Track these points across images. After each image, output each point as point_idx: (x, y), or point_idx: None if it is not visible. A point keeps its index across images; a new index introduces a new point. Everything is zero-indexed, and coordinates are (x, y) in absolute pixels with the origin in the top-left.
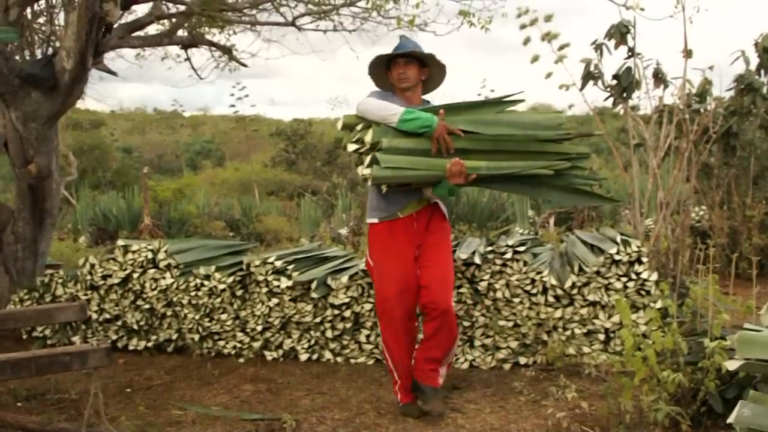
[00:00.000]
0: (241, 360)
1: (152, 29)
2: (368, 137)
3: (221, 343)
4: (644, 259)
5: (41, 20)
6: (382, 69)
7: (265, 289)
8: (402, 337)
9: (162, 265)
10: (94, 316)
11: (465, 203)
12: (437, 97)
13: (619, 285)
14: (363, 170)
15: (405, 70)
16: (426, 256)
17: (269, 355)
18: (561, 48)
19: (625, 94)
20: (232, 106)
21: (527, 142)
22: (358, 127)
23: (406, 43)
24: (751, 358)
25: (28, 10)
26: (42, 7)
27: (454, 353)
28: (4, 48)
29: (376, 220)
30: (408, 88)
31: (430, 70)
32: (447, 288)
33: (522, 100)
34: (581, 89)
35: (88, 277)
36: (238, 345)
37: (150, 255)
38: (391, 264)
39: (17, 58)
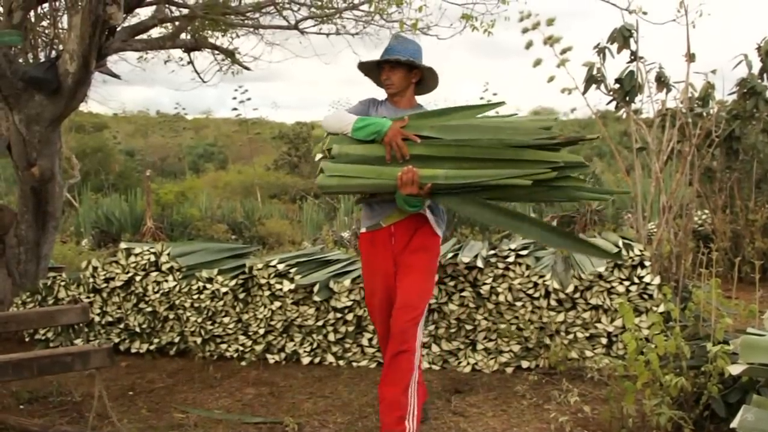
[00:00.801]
0: (244, 363)
1: (155, 32)
2: (325, 145)
3: (223, 346)
4: (647, 263)
5: (45, 23)
6: (377, 72)
7: (267, 293)
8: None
9: (164, 268)
10: (97, 318)
11: None
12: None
13: (621, 289)
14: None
15: (389, 75)
16: (398, 277)
17: (271, 359)
18: (563, 52)
19: (627, 98)
20: (235, 109)
21: (499, 149)
22: (325, 136)
23: (395, 46)
24: (754, 363)
25: (32, 13)
26: (45, 11)
27: (422, 407)
28: (8, 51)
29: (364, 230)
30: (395, 93)
31: (422, 71)
32: (406, 316)
33: (502, 103)
34: (584, 93)
35: (91, 280)
36: (241, 348)
37: (152, 258)
38: (371, 275)
39: (21, 61)
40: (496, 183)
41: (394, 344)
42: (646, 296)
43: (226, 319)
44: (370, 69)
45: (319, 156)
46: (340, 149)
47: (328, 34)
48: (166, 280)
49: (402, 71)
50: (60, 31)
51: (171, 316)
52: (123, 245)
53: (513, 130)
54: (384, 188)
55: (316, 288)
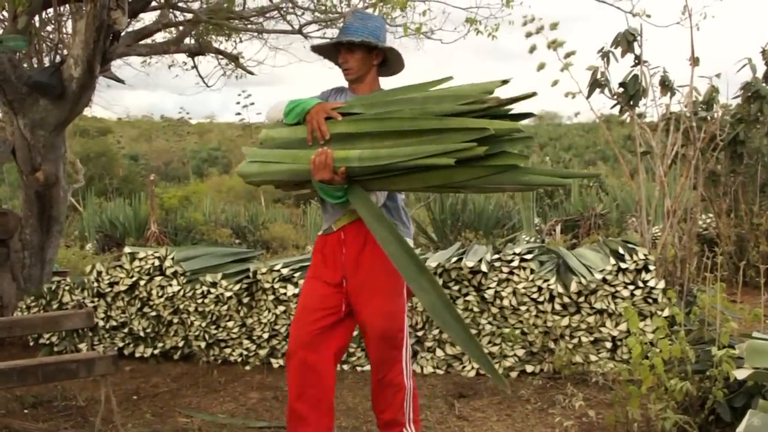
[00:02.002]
0: (248, 367)
1: (159, 37)
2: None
3: (228, 350)
4: (651, 267)
5: (49, 28)
6: (336, 56)
7: (271, 297)
8: (299, 379)
9: (169, 272)
10: (101, 323)
11: (471, 211)
12: None
13: (626, 293)
14: None
15: (346, 58)
16: (358, 300)
17: (276, 363)
18: (567, 56)
19: (631, 102)
20: (239, 113)
21: (421, 120)
22: None
23: (351, 25)
24: (760, 367)
25: (37, 18)
26: (50, 16)
27: (418, 410)
28: (13, 56)
29: (320, 233)
30: (354, 78)
31: (385, 52)
32: (387, 345)
33: (450, 78)
34: (588, 97)
35: (95, 285)
36: (245, 352)
37: (157, 262)
38: (311, 287)
39: (25, 65)
40: (415, 164)
41: (376, 372)
42: (650, 300)
43: (230, 324)
44: (328, 52)
45: (245, 148)
46: (267, 134)
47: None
48: (171, 285)
49: (360, 53)
50: (64, 35)
51: (175, 321)
52: (127, 249)
53: (442, 98)
54: (301, 174)
55: None
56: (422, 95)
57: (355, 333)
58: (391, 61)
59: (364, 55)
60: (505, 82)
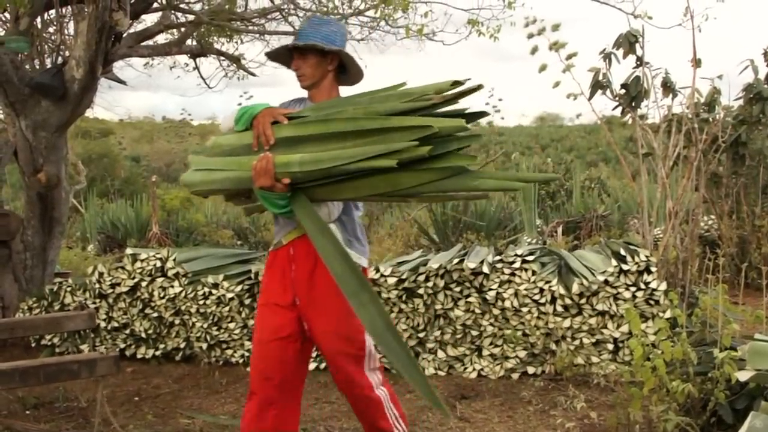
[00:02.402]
0: (249, 369)
1: (161, 38)
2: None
3: (229, 351)
4: (653, 269)
5: (51, 30)
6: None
7: None
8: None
9: (170, 273)
10: (103, 324)
11: (473, 212)
12: None
13: (627, 294)
14: None
15: (298, 65)
16: (313, 324)
17: None
18: (569, 57)
19: (633, 103)
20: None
21: (365, 120)
22: None
23: (304, 29)
24: (762, 369)
25: (39, 19)
26: (52, 17)
27: (400, 405)
28: (15, 57)
29: (271, 247)
30: (310, 85)
31: (341, 58)
32: (349, 367)
33: (403, 83)
34: (589, 98)
35: (97, 286)
36: (246, 354)
37: (158, 264)
38: (262, 306)
39: (27, 67)
40: (357, 167)
41: (344, 389)
42: (652, 302)
43: (231, 325)
44: (284, 59)
45: (191, 156)
46: (215, 141)
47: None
48: (172, 286)
49: (314, 59)
50: (66, 37)
51: (177, 322)
52: (129, 251)
53: (387, 98)
54: (244, 182)
55: None
56: (369, 96)
57: None
58: (350, 68)
59: (318, 60)
60: (457, 83)
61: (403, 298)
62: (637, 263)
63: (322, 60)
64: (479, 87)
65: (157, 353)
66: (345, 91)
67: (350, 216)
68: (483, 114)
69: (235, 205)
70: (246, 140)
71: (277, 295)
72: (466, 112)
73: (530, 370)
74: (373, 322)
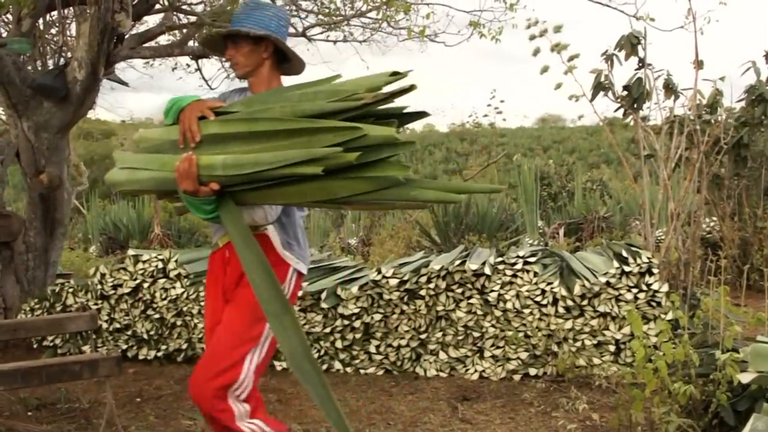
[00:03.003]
0: None
1: (163, 40)
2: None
3: None
4: (655, 271)
5: (53, 31)
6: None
7: None
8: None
9: (172, 274)
10: (105, 325)
11: (475, 213)
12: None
13: (629, 296)
14: None
15: (231, 53)
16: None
17: (279, 365)
18: (570, 59)
19: (635, 105)
20: None
21: (290, 121)
22: None
23: (238, 15)
24: (764, 371)
25: (41, 20)
26: (54, 18)
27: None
28: (17, 58)
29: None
30: (246, 74)
31: (278, 45)
32: (206, 374)
33: (338, 76)
34: (591, 100)
35: (99, 287)
36: None
37: (160, 265)
38: (206, 305)
39: (29, 68)
40: (282, 174)
41: (194, 393)
42: (654, 304)
43: None
44: (221, 48)
45: (116, 152)
46: (141, 135)
47: (335, 42)
48: (174, 287)
49: (246, 46)
50: (68, 38)
51: (178, 323)
52: (131, 252)
53: (318, 95)
54: (168, 184)
55: (323, 295)
56: (300, 92)
57: (358, 336)
58: (289, 56)
59: (251, 48)
60: (396, 74)
61: (405, 299)
62: (638, 265)
63: (256, 47)
64: (412, 87)
65: (159, 354)
66: (288, 81)
67: (291, 218)
68: (423, 114)
69: (169, 203)
70: (173, 135)
71: (212, 298)
72: (405, 111)
73: (532, 371)
74: (292, 348)
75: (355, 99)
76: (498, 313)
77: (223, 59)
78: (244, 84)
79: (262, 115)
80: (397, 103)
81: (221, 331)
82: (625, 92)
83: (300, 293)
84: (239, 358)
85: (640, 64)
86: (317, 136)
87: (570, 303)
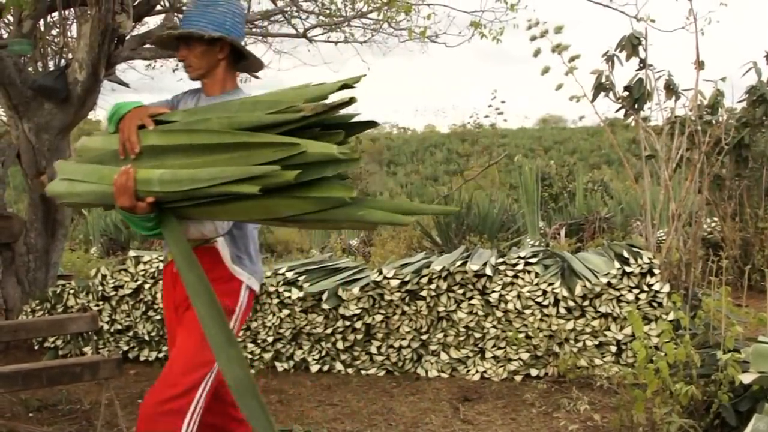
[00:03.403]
0: (252, 371)
1: None
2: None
3: None
4: (656, 271)
5: (54, 32)
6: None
7: (276, 300)
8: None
9: None
10: (106, 326)
11: (476, 214)
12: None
13: (630, 297)
14: None
15: (184, 54)
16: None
17: (280, 366)
18: (571, 60)
19: (636, 106)
20: None
21: (227, 134)
22: None
23: (188, 14)
24: (765, 371)
25: (41, 22)
26: (55, 20)
27: None
28: (18, 60)
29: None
30: (200, 76)
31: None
32: (157, 397)
33: (306, 85)
34: (592, 101)
35: (100, 288)
36: (249, 356)
37: (161, 266)
38: (165, 317)
39: (30, 69)
40: (219, 191)
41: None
42: (655, 304)
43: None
44: (175, 47)
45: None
46: (83, 143)
47: (336, 42)
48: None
49: (200, 47)
50: (69, 39)
51: None
52: (132, 253)
53: (257, 104)
54: (107, 198)
55: (324, 296)
56: (240, 100)
57: (359, 337)
58: (244, 57)
59: (205, 48)
60: (347, 85)
61: (406, 300)
62: (640, 265)
63: (210, 48)
64: (352, 100)
65: (160, 356)
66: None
67: (243, 231)
68: (372, 124)
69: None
70: (114, 145)
71: (168, 313)
72: (353, 120)
73: (533, 372)
74: (237, 381)
75: (294, 111)
76: (499, 313)
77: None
78: (199, 85)
79: (201, 126)
80: (351, 109)
81: (174, 356)
82: (626, 93)
83: (301, 294)
84: (192, 384)
85: (641, 65)
86: (256, 151)
87: (571, 303)
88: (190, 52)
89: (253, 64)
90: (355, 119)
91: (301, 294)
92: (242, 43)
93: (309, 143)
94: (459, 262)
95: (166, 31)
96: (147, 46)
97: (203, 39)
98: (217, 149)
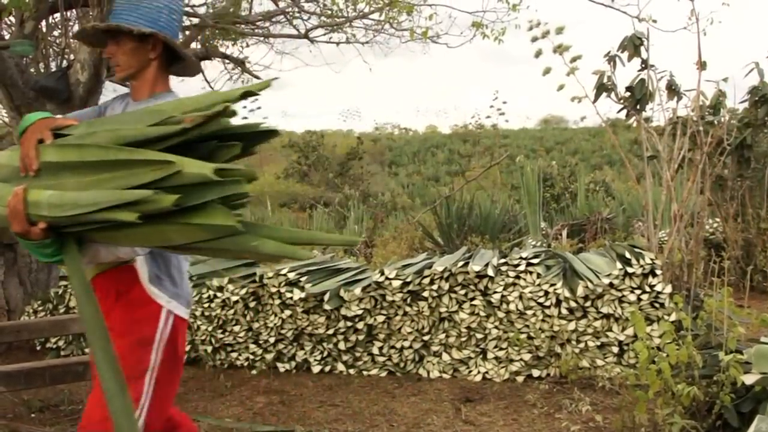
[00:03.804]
0: (254, 372)
1: None
2: None
3: (234, 354)
4: (658, 272)
5: (56, 33)
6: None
7: (278, 301)
8: None
9: None
10: None
11: (477, 215)
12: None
13: (632, 297)
14: None
15: (112, 51)
16: None
17: (282, 367)
18: (573, 60)
19: (638, 106)
20: (245, 118)
21: (110, 149)
22: None
23: (117, 6)
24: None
25: (43, 23)
26: (57, 20)
27: None
28: (20, 61)
29: None
30: (127, 76)
31: (168, 43)
32: (96, 418)
33: (240, 91)
34: (594, 101)
35: None
36: (251, 357)
37: None
38: None
39: (32, 70)
40: (102, 217)
41: None
42: (657, 305)
43: (236, 328)
44: (100, 41)
45: None
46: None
47: (338, 43)
48: None
49: (129, 44)
50: (71, 40)
51: None
52: None
53: (143, 115)
54: (3, 221)
55: (326, 296)
56: (132, 112)
57: (361, 337)
58: (180, 58)
59: (134, 46)
60: (251, 93)
61: (408, 300)
62: (642, 266)
63: (141, 45)
64: (229, 111)
65: None
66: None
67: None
68: (274, 133)
69: None
70: (16, 161)
71: None
72: (251, 131)
73: (535, 373)
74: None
75: (174, 122)
76: (501, 314)
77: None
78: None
79: (89, 141)
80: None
81: (92, 399)
82: (628, 93)
83: (302, 294)
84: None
85: (643, 66)
86: (137, 170)
87: (573, 304)
88: (118, 49)
89: (189, 67)
90: (260, 128)
91: (302, 295)
92: (177, 42)
93: (186, 162)
94: (461, 263)
95: (90, 24)
96: None
97: (133, 35)
98: (102, 167)
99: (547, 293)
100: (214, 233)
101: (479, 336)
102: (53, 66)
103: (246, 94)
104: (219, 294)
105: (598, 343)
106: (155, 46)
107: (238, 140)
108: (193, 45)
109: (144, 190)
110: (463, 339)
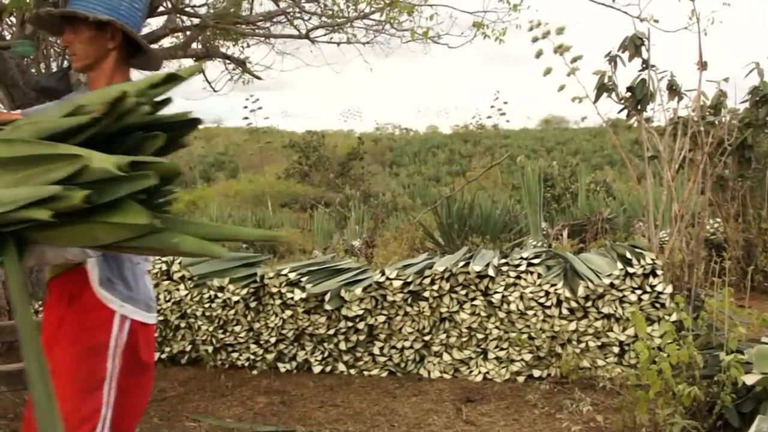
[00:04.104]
0: (255, 372)
1: (166, 42)
2: None
3: (235, 354)
4: (659, 272)
5: None
6: None
7: (278, 301)
8: None
9: (176, 277)
10: None
11: (478, 215)
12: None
13: (633, 297)
14: None
15: (69, 39)
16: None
17: (283, 367)
18: (573, 60)
19: (639, 106)
20: (246, 118)
21: (25, 144)
22: None
23: None
24: None
25: None
26: None
27: None
28: (21, 61)
29: None
30: (84, 67)
31: (126, 32)
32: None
33: (169, 76)
34: (595, 101)
35: None
36: (252, 357)
37: (164, 267)
38: None
39: (33, 71)
40: (22, 216)
41: None
42: (658, 305)
43: (237, 328)
44: (56, 29)
45: None
46: None
47: (338, 43)
48: (178, 289)
49: (87, 32)
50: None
51: (182, 325)
52: None
53: (61, 107)
54: None
55: (327, 297)
56: (57, 103)
57: (362, 338)
58: (143, 47)
59: (93, 35)
60: (177, 76)
61: (409, 301)
62: (642, 266)
63: (99, 34)
64: (129, 99)
65: (163, 356)
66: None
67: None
68: (197, 121)
69: None
70: None
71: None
72: (179, 120)
73: (536, 373)
74: None
75: (85, 112)
76: (502, 314)
77: (230, 68)
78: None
79: (14, 135)
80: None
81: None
82: (629, 93)
83: (303, 295)
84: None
85: (644, 66)
86: (51, 165)
87: (574, 304)
88: (75, 37)
89: (151, 60)
90: (185, 118)
91: (303, 295)
92: (137, 33)
93: (95, 156)
94: (461, 263)
95: (44, 9)
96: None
97: (89, 22)
98: (27, 162)
99: (547, 293)
100: (133, 231)
101: (480, 336)
102: (54, 66)
103: (171, 77)
104: (220, 294)
105: (599, 344)
106: (114, 36)
107: (164, 131)
108: (194, 45)
109: (55, 186)
110: (464, 339)
